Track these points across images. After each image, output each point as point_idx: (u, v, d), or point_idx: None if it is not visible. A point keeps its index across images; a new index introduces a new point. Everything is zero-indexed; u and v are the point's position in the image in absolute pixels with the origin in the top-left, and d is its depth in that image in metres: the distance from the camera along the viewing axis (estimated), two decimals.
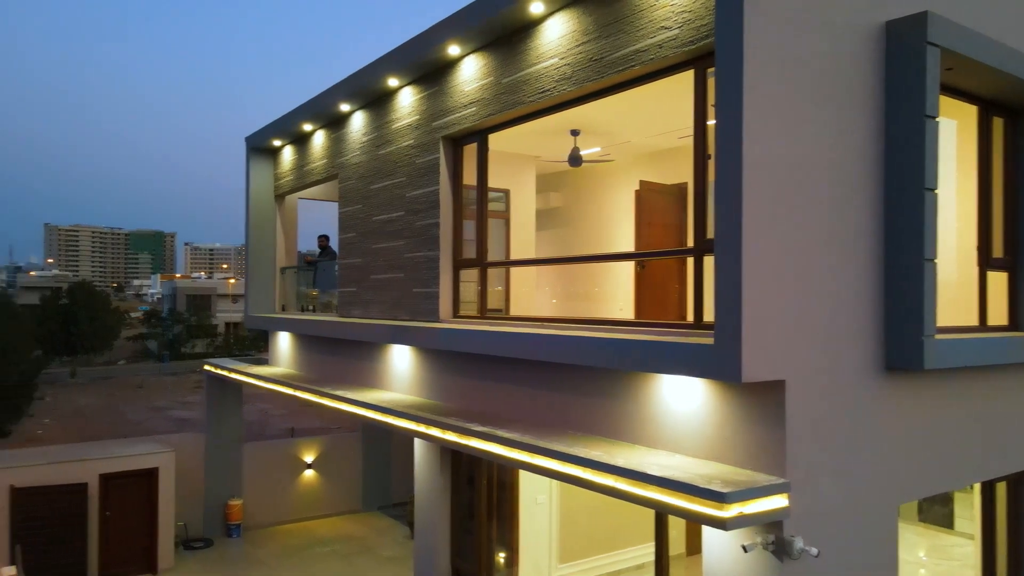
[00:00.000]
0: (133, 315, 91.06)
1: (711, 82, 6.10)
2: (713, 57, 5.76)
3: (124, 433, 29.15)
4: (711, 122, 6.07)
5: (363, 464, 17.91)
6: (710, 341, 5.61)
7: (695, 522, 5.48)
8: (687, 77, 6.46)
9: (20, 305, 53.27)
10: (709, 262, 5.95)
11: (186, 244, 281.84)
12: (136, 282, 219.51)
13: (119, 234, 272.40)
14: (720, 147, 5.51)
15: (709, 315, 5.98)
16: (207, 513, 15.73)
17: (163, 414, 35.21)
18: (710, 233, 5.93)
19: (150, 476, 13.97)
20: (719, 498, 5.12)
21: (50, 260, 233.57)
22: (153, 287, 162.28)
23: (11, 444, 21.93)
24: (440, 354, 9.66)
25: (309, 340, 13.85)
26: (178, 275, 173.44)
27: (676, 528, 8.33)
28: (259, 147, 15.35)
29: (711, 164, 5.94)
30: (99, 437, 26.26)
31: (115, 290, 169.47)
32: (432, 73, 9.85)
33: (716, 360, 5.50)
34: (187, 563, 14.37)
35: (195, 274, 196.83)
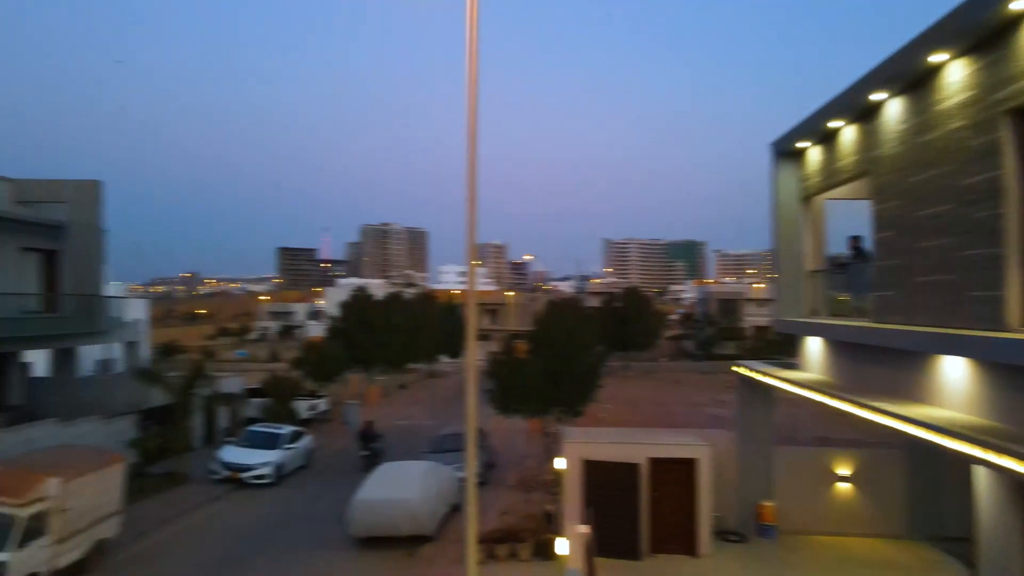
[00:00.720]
0: (671, 317, 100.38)
1: None
2: None
3: (667, 423, 32.33)
4: None
5: (907, 486, 16.19)
6: None
7: None
8: None
9: (587, 307, 64.03)
10: None
11: (716, 251, 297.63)
12: (673, 288, 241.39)
13: (659, 245, 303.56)
14: None
15: None
16: (740, 509, 16.32)
17: (699, 410, 37.86)
18: None
19: (690, 465, 15.21)
20: None
21: (607, 269, 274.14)
22: (688, 292, 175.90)
23: (582, 423, 26.50)
24: (1008, 369, 8.15)
25: (841, 346, 13.21)
26: (709, 281, 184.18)
27: None
28: (785, 151, 15.32)
29: None
30: (646, 424, 29.67)
31: (657, 295, 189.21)
32: (990, 37, 8.41)
33: None
34: (724, 553, 15.16)
35: (725, 280, 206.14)
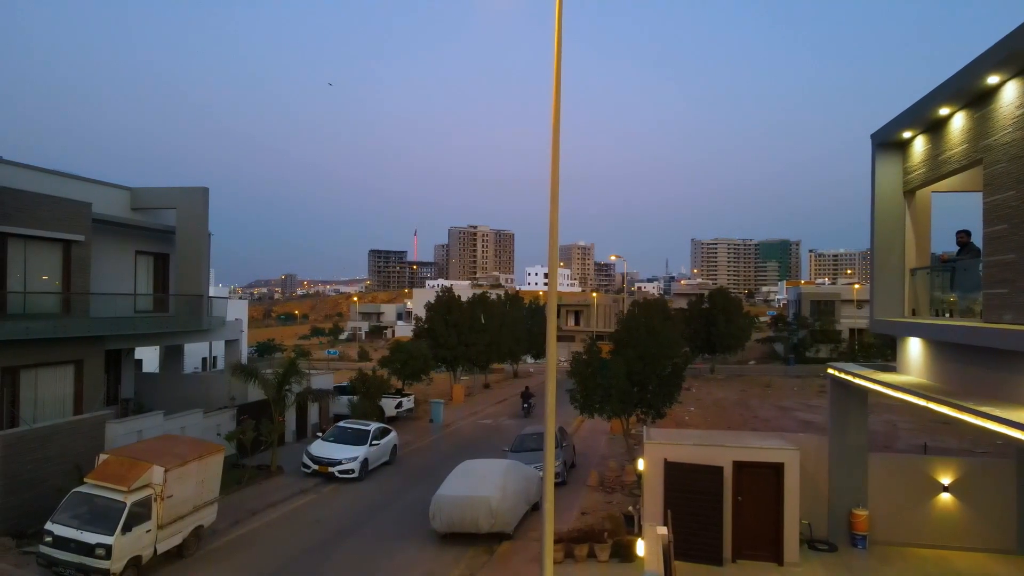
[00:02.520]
0: (761, 319, 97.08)
1: None
2: None
3: (753, 427, 31.30)
4: None
5: (1019, 498, 15.04)
6: None
7: None
8: None
9: (673, 309, 62.78)
10: None
11: (810, 251, 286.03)
12: (764, 288, 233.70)
13: (749, 245, 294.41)
14: None
15: None
16: (831, 517, 15.60)
17: (789, 414, 36.44)
18: None
19: (777, 470, 14.64)
20: None
21: (695, 270, 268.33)
22: (779, 293, 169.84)
23: (664, 424, 25.99)
24: None
25: (944, 347, 12.40)
26: (803, 281, 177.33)
27: None
28: (886, 142, 14.53)
29: None
30: (732, 428, 28.82)
31: (746, 296, 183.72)
32: None
33: None
34: (812, 562, 14.52)
35: (819, 280, 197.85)
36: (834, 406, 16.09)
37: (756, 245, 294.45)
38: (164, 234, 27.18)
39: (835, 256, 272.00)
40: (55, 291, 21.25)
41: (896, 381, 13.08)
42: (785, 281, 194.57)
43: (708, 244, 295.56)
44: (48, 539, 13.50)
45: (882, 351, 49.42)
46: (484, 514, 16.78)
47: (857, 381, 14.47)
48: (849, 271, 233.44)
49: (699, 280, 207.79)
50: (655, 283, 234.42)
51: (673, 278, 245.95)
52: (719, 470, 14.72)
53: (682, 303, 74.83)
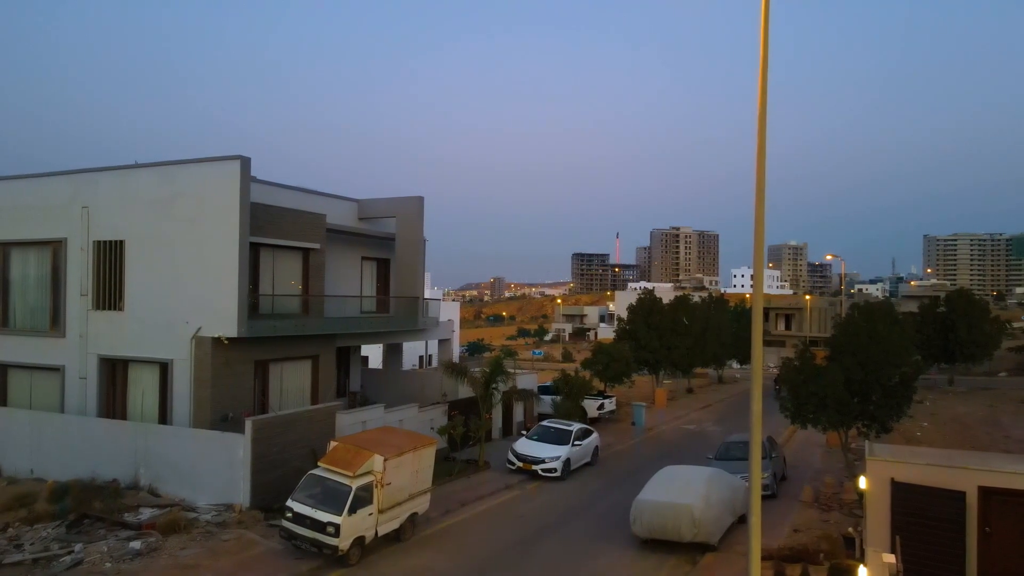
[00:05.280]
0: (1015, 325, 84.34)
1: None
2: None
3: (1005, 448, 27.31)
4: None
5: None
6: None
7: None
8: None
9: (901, 312, 56.65)
10: None
11: None
12: (1019, 290, 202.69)
13: (999, 239, 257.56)
14: None
15: None
16: None
17: None
18: None
19: None
20: None
21: (928, 270, 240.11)
22: None
23: (891, 440, 23.51)
24: None
25: None
26: None
27: None
28: None
29: None
30: (975, 448, 25.37)
31: (994, 299, 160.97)
32: None
33: None
34: None
35: None
36: None
37: (1008, 240, 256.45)
38: (385, 241, 29.62)
39: None
40: (297, 293, 23.98)
41: None
42: None
43: (945, 240, 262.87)
44: (289, 515, 15.22)
45: None
46: (687, 522, 16.27)
47: None
48: None
49: (934, 280, 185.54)
50: (879, 284, 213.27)
51: (901, 279, 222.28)
52: (960, 495, 12.99)
53: (912, 306, 67.27)
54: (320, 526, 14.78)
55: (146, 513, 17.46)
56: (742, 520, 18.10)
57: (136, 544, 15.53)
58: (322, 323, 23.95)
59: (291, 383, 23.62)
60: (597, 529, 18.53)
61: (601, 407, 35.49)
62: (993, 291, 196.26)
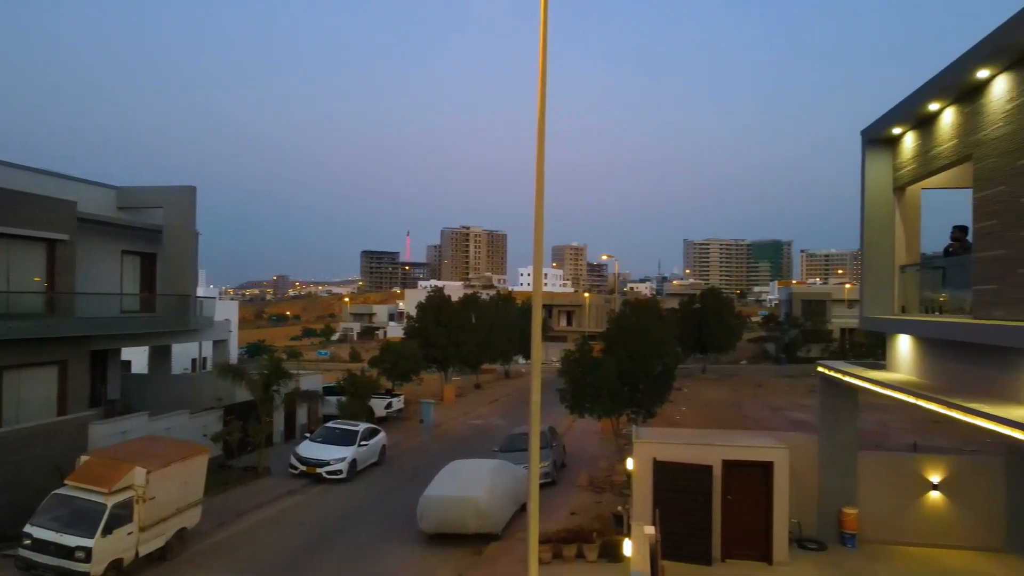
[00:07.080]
0: (753, 319, 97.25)
1: None
2: None
3: (744, 426, 31.24)
4: None
5: (1008, 496, 14.99)
6: None
7: None
8: None
9: (665, 309, 62.71)
10: None
11: (802, 251, 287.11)
12: (756, 289, 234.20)
13: (741, 245, 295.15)
14: None
15: None
16: (820, 516, 15.51)
17: (780, 414, 36.38)
18: None
19: (766, 469, 14.53)
20: None
21: (687, 271, 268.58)
22: (771, 293, 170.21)
23: (655, 424, 25.87)
24: None
25: (934, 344, 12.32)
26: (794, 281, 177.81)
27: None
28: (876, 138, 14.45)
29: None
30: (723, 427, 28.74)
31: (738, 296, 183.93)
32: None
33: None
34: (801, 562, 14.42)
35: (810, 280, 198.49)
36: (824, 404, 16.01)
37: (748, 245, 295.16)
38: (151, 233, 26.89)
39: (826, 256, 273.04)
40: (39, 290, 20.97)
41: (885, 379, 13.00)
42: (777, 281, 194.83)
43: (700, 244, 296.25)
44: (27, 542, 13.27)
45: (872, 350, 49.47)
46: (472, 514, 16.62)
47: (846, 379, 14.38)
48: (840, 271, 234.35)
49: (691, 280, 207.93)
50: (648, 283, 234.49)
51: (666, 278, 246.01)
52: (708, 469, 14.60)
53: (674, 303, 74.85)
54: (67, 552, 13.04)
55: None
56: (524, 508, 18.88)
57: None
58: (71, 324, 21.16)
59: (32, 393, 20.60)
60: (384, 528, 18.31)
61: (389, 406, 35.20)
62: (737, 290, 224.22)
